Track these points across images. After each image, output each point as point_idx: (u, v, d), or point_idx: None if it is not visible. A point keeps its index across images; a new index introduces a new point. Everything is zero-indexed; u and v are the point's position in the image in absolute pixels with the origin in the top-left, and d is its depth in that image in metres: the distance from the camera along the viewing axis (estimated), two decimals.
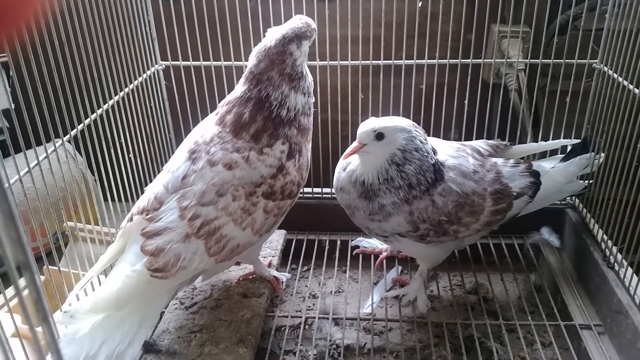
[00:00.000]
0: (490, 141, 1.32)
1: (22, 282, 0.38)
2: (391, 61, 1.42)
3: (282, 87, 1.09)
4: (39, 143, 0.97)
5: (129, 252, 1.03)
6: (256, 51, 1.12)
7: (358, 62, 1.43)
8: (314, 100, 1.17)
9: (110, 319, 0.95)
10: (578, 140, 1.36)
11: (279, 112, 1.09)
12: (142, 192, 1.32)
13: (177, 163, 1.08)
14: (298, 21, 1.11)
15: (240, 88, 1.12)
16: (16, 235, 0.30)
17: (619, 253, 1.26)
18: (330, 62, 1.43)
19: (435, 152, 1.16)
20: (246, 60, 1.40)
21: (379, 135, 1.11)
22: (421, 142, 1.13)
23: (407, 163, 1.13)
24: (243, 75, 1.14)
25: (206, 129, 1.12)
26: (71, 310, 0.93)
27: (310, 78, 1.15)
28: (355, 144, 1.14)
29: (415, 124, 1.14)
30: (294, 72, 1.10)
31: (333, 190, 1.28)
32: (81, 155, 1.11)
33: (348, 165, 1.21)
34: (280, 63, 1.09)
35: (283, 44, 1.08)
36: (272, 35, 1.10)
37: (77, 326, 0.93)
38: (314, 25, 1.13)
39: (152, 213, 1.03)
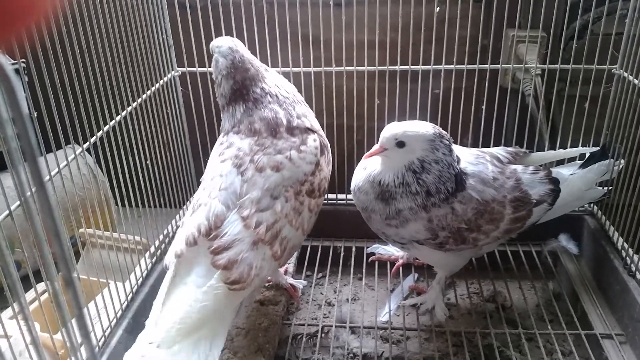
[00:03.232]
0: (509, 148, 1.30)
1: (38, 287, 0.37)
2: (408, 66, 1.42)
3: (265, 76, 1.19)
4: (51, 149, 0.97)
5: (190, 274, 0.99)
6: (224, 75, 1.17)
7: (374, 67, 1.42)
8: None
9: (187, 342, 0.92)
10: (597, 148, 1.34)
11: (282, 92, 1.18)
12: (158, 199, 1.33)
13: (227, 180, 1.07)
14: (220, 42, 1.20)
15: (238, 111, 1.17)
16: (61, 251, 0.29)
17: None
18: (346, 67, 1.42)
19: (459, 162, 1.15)
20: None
21: (400, 144, 1.10)
22: (443, 154, 1.11)
23: (424, 172, 1.12)
24: (224, 110, 1.19)
25: (241, 144, 1.12)
26: (157, 341, 0.90)
27: None
28: (377, 146, 1.13)
29: (442, 132, 1.12)
30: (257, 63, 1.20)
31: (350, 195, 1.27)
32: (99, 161, 1.11)
33: (369, 164, 1.20)
34: (247, 64, 1.17)
35: (233, 56, 1.16)
36: (222, 62, 1.17)
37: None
38: (217, 41, 1.21)
39: (215, 232, 1.01)
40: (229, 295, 0.96)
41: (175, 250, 1.01)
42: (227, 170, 1.08)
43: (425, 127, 1.12)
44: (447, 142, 1.12)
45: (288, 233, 1.05)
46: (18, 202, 0.82)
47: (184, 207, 1.54)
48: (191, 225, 1.02)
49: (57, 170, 0.96)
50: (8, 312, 1.22)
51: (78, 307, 0.33)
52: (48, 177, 0.93)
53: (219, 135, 1.22)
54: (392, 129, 1.12)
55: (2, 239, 0.37)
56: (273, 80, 1.20)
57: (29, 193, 0.33)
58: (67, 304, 0.36)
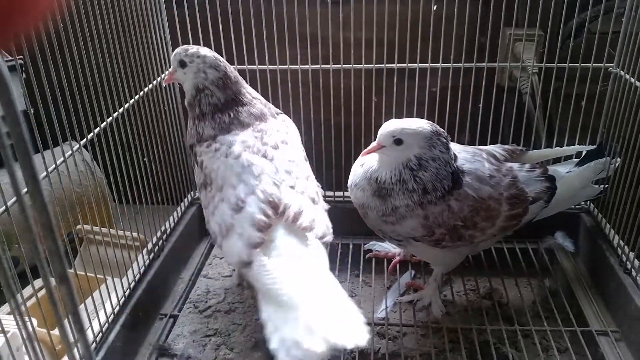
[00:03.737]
0: (506, 146, 1.31)
1: (35, 283, 0.37)
2: (405, 64, 1.42)
3: (243, 84, 1.24)
4: (48, 147, 0.97)
5: (287, 247, 0.99)
6: (220, 86, 1.18)
7: (372, 65, 1.43)
8: None
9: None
10: (594, 146, 1.35)
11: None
12: (155, 195, 1.33)
13: (258, 166, 1.07)
14: (200, 51, 1.19)
15: (226, 116, 1.18)
16: (54, 247, 0.30)
17: (636, 259, 1.25)
18: (344, 65, 1.43)
19: (456, 159, 1.15)
20: (259, 64, 1.42)
21: (398, 141, 1.10)
22: (441, 151, 1.11)
23: (421, 170, 1.12)
24: (206, 114, 1.18)
25: (242, 138, 1.14)
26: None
27: None
28: (374, 143, 1.14)
29: (439, 130, 1.12)
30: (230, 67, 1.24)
31: (347, 191, 1.27)
32: (97, 158, 1.11)
33: (366, 161, 1.20)
34: (229, 73, 1.20)
35: (225, 68, 1.19)
36: (212, 74, 1.18)
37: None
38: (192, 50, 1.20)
39: (281, 207, 1.02)
40: (324, 249, 1.03)
41: (249, 242, 0.97)
42: (251, 160, 1.08)
43: (422, 125, 1.12)
44: (445, 140, 1.12)
45: (319, 200, 1.12)
46: (15, 198, 0.82)
47: (182, 203, 1.54)
48: (252, 216, 0.99)
49: (54, 166, 0.96)
50: (6, 307, 1.23)
51: (73, 304, 0.33)
52: (45, 173, 0.93)
53: None
54: (390, 127, 1.12)
55: None
56: (247, 87, 1.25)
57: (24, 191, 0.33)
58: (62, 300, 0.36)
